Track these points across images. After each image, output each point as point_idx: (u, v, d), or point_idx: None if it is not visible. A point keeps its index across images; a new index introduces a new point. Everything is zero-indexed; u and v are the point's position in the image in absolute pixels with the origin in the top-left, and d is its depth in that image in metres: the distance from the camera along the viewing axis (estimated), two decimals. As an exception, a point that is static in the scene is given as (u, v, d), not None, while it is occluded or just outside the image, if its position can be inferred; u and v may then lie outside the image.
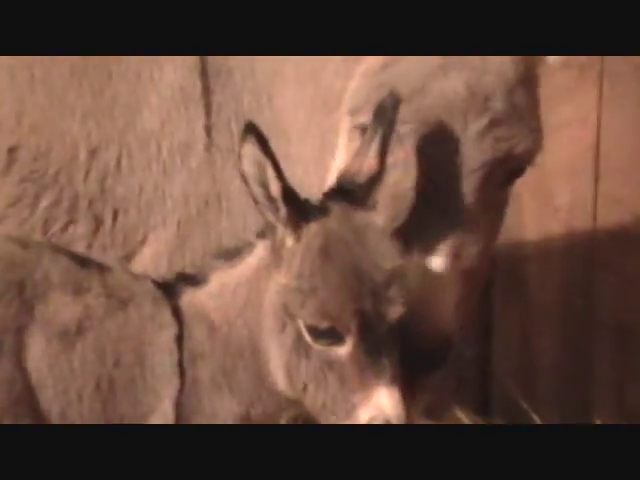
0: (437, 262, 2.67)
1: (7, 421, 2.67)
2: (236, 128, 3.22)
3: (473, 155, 2.74)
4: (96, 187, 3.29)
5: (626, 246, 4.34)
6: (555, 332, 4.56)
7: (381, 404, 2.44)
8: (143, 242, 3.32)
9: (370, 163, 2.52)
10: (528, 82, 2.88)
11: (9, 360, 2.64)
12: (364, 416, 2.42)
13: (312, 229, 2.50)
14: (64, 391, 2.70)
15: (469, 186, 2.75)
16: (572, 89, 4.25)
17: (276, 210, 2.44)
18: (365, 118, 2.74)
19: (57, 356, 2.69)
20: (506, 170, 2.80)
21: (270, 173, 2.40)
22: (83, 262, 2.81)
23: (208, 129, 3.27)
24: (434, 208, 2.73)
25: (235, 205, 3.24)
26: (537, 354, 4.60)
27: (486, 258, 2.95)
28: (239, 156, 2.48)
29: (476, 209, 2.79)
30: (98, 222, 3.28)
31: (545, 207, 4.44)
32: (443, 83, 2.78)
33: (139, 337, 2.76)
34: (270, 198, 2.44)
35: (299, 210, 2.48)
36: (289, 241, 2.49)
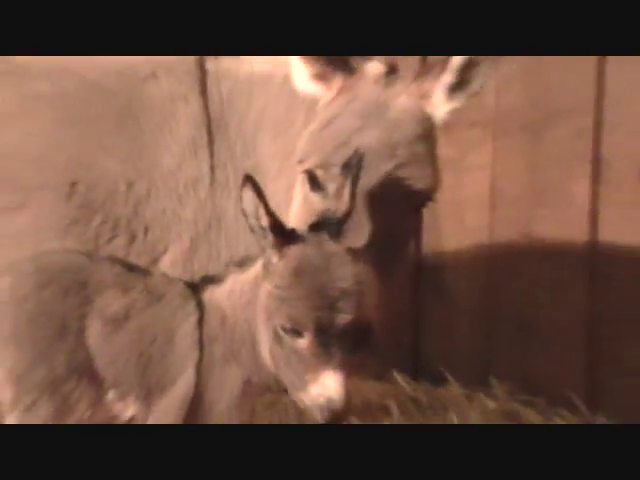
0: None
1: (70, 383, 3.00)
2: (231, 169, 3.68)
3: (384, 191, 3.10)
4: (132, 211, 3.68)
5: (519, 257, 4.86)
6: (469, 324, 5.13)
7: (326, 384, 2.72)
8: (164, 252, 3.71)
9: (344, 203, 2.84)
10: (427, 138, 3.20)
11: (73, 338, 2.96)
12: (314, 392, 2.75)
13: (291, 252, 2.82)
14: (114, 362, 3.01)
15: (383, 214, 3.15)
16: (477, 143, 4.93)
17: (265, 237, 2.80)
18: (308, 165, 3.15)
19: (109, 336, 3.00)
20: (412, 202, 3.17)
21: (261, 211, 2.78)
22: (130, 267, 3.19)
23: (212, 169, 3.67)
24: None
25: (230, 226, 3.65)
26: (456, 340, 5.19)
27: (401, 272, 3.32)
28: (240, 198, 2.86)
29: (393, 227, 3.17)
30: (133, 236, 3.67)
31: (459, 228, 5.10)
32: (361, 138, 3.07)
33: (170, 323, 3.09)
34: (262, 228, 2.79)
35: (283, 237, 2.81)
36: (274, 259, 2.83)
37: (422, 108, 3.20)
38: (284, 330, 2.72)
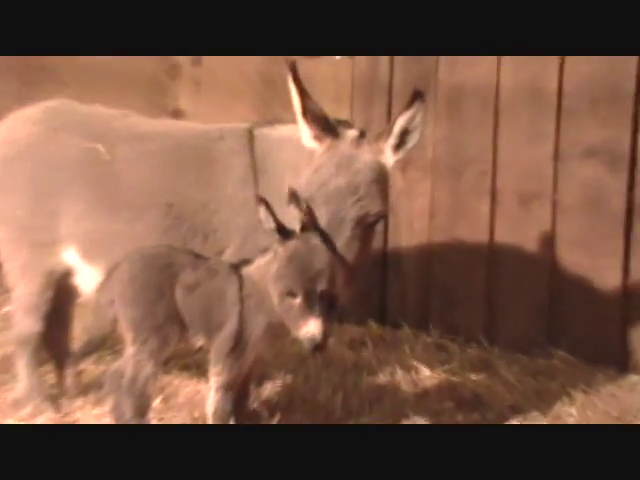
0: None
1: (167, 327, 3.67)
2: (267, 195, 3.76)
3: (350, 214, 3.64)
4: (206, 221, 4.21)
5: (446, 248, 5.67)
6: (413, 290, 5.79)
7: (311, 327, 3.39)
8: (227, 247, 4.22)
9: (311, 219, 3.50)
10: (379, 179, 3.76)
11: (167, 299, 3.66)
12: (303, 331, 3.40)
13: (289, 245, 3.50)
14: (191, 312, 3.71)
15: (350, 226, 3.66)
16: (421, 179, 5.72)
17: (274, 234, 3.49)
18: (304, 197, 3.61)
19: (187, 297, 3.71)
20: (368, 221, 3.71)
21: (270, 219, 3.49)
22: (197, 255, 3.87)
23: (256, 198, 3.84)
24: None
25: (264, 233, 3.75)
26: (407, 300, 5.85)
27: (362, 262, 3.77)
28: (259, 211, 3.53)
29: (354, 239, 3.67)
30: (206, 237, 4.22)
31: (410, 231, 5.84)
32: (337, 180, 3.68)
33: (222, 288, 3.74)
34: (271, 230, 3.49)
35: (284, 235, 3.49)
36: (279, 249, 3.51)
37: (378, 160, 3.79)
38: (285, 293, 3.45)
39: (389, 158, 3.82)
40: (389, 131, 3.79)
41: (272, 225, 3.49)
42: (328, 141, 3.82)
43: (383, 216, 3.78)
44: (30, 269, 4.32)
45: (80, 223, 4.23)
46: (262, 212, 3.51)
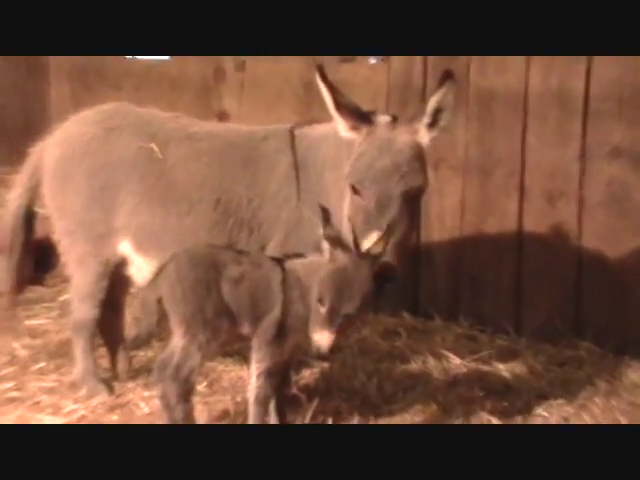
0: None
1: (216, 320, 3.67)
2: (309, 191, 4.15)
3: (396, 190, 3.72)
4: (251, 216, 4.27)
5: (476, 242, 5.67)
6: (444, 281, 5.77)
7: (322, 338, 3.41)
8: (270, 240, 4.27)
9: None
10: (418, 157, 3.84)
11: (214, 294, 3.67)
12: (315, 338, 3.43)
13: (340, 259, 3.48)
14: (237, 304, 3.71)
15: (398, 201, 3.72)
16: (453, 178, 5.69)
17: (331, 243, 3.47)
18: (351, 181, 3.80)
19: (233, 289, 3.71)
20: (412, 195, 3.79)
21: (330, 228, 3.52)
22: (239, 251, 3.91)
23: (298, 191, 4.21)
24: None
25: (306, 225, 4.09)
26: (439, 292, 5.82)
27: (411, 235, 3.94)
28: (322, 225, 3.52)
29: (403, 213, 3.72)
30: (251, 231, 4.28)
31: (442, 226, 5.78)
32: (381, 162, 3.76)
33: (266, 280, 3.75)
34: (329, 238, 3.48)
35: (336, 246, 3.48)
36: (328, 255, 3.52)
37: (414, 139, 3.88)
38: (317, 298, 3.45)
39: (424, 137, 3.91)
40: (423, 111, 3.87)
41: (330, 235, 3.51)
42: (364, 129, 3.89)
43: (424, 189, 3.88)
44: (87, 260, 4.41)
45: (134, 217, 4.33)
46: (323, 221, 3.53)
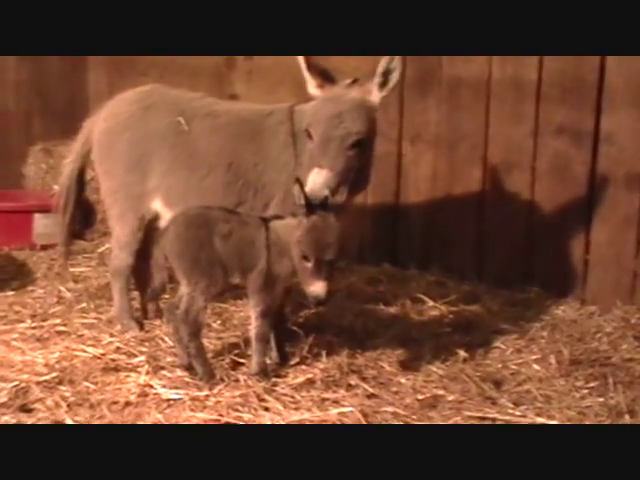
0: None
1: (212, 270, 3.71)
2: (303, 156, 4.11)
3: (335, 132, 3.72)
4: (256, 178, 4.29)
5: (449, 208, 5.63)
6: (419, 239, 5.73)
7: (317, 287, 3.46)
8: (272, 199, 4.28)
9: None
10: (363, 110, 3.83)
11: (208, 248, 3.70)
12: (311, 289, 3.47)
13: (310, 219, 3.52)
14: (228, 256, 3.74)
15: (337, 143, 3.73)
16: (426, 151, 5.68)
17: (302, 208, 3.51)
18: (309, 127, 3.85)
19: (223, 244, 3.73)
20: (351, 140, 3.75)
21: (302, 196, 3.50)
22: (230, 212, 3.89)
23: (295, 157, 4.21)
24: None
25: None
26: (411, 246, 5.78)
27: (359, 176, 3.91)
28: (294, 189, 3.54)
29: (340, 153, 3.73)
30: (256, 191, 4.29)
31: (417, 192, 5.75)
32: (326, 109, 3.79)
33: (252, 236, 3.76)
34: (301, 204, 3.51)
35: (309, 210, 3.49)
36: (303, 220, 3.54)
37: (363, 96, 3.87)
38: (301, 257, 3.51)
39: (375, 95, 3.92)
40: (374, 73, 3.90)
41: (302, 201, 3.52)
42: (327, 87, 3.94)
43: (363, 136, 3.82)
44: (126, 215, 4.53)
45: (164, 179, 4.42)
46: (295, 189, 3.54)
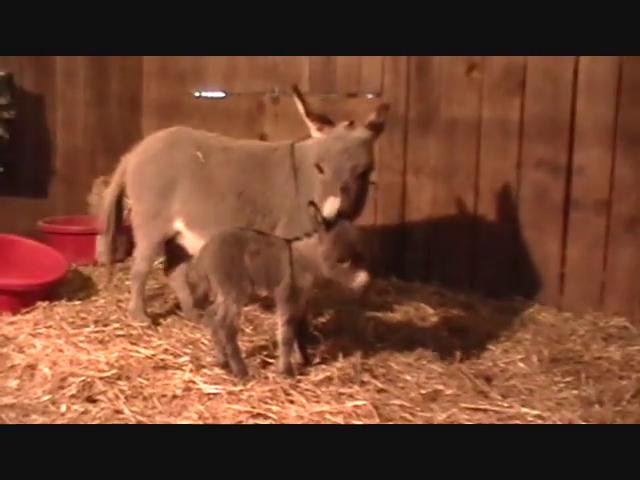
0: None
1: (241, 283, 3.68)
2: (304, 185, 4.11)
3: (346, 165, 3.71)
4: (264, 205, 4.28)
5: (447, 229, 5.59)
6: (422, 248, 5.73)
7: (361, 277, 3.41)
8: (278, 222, 4.25)
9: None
10: (367, 145, 3.82)
11: (239, 263, 3.67)
12: (356, 282, 3.42)
13: (333, 231, 3.49)
14: (256, 272, 3.70)
15: (348, 173, 3.70)
16: (427, 181, 5.67)
17: (320, 226, 3.48)
18: (315, 163, 3.82)
19: (252, 260, 3.68)
20: (360, 170, 3.75)
21: (319, 216, 3.47)
22: (259, 232, 3.86)
23: (296, 187, 4.20)
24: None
25: (303, 212, 3.87)
26: (414, 259, 5.78)
27: (362, 200, 3.87)
28: (310, 211, 3.50)
29: (352, 182, 3.71)
30: (264, 216, 4.27)
31: (420, 215, 5.71)
32: (336, 146, 3.74)
33: (278, 255, 3.70)
34: (318, 222, 3.48)
35: (327, 226, 3.47)
36: (324, 235, 3.50)
37: (362, 135, 3.83)
38: (336, 261, 3.46)
39: (370, 136, 3.89)
40: (369, 123, 3.89)
41: (320, 220, 3.50)
42: (327, 129, 3.89)
43: (368, 167, 3.84)
44: (151, 233, 4.62)
45: (185, 204, 4.45)
46: (311, 210, 3.51)
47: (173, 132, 4.70)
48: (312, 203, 3.52)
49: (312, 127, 3.96)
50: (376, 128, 3.89)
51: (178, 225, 4.52)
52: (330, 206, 3.65)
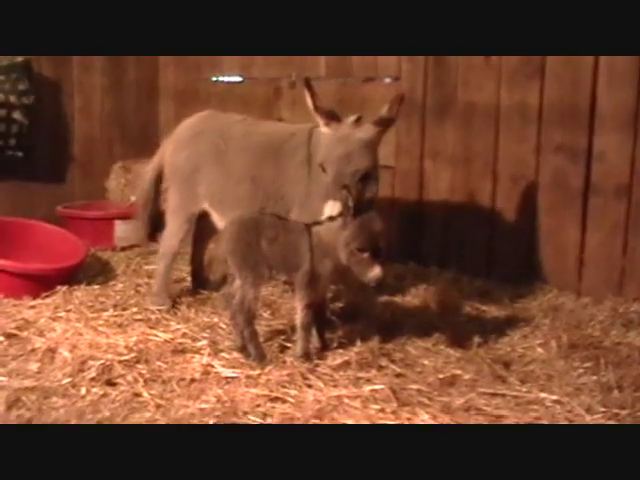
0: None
1: (258, 267, 3.68)
2: (316, 172, 4.04)
3: (347, 170, 3.68)
4: (276, 191, 4.34)
5: (464, 215, 5.56)
6: (440, 240, 5.71)
7: (376, 270, 3.41)
8: (291, 208, 4.26)
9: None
10: (369, 146, 3.79)
11: (256, 248, 3.67)
12: (371, 274, 3.41)
13: (359, 218, 3.45)
14: (273, 257, 3.70)
15: (349, 178, 3.67)
16: (445, 167, 5.64)
17: (349, 213, 3.42)
18: (319, 162, 3.83)
19: (270, 246, 3.67)
20: (361, 174, 3.72)
21: (350, 200, 3.43)
22: (278, 217, 3.85)
23: (309, 173, 4.21)
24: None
25: (314, 198, 4.07)
26: (432, 246, 5.75)
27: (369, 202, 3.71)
28: (341, 195, 3.48)
29: (355, 186, 3.64)
30: (276, 201, 4.31)
31: (438, 201, 5.67)
32: (338, 150, 3.72)
33: (296, 240, 3.69)
34: (348, 207, 3.43)
35: (356, 213, 3.43)
36: (350, 221, 3.47)
37: (367, 134, 3.81)
38: (357, 250, 3.44)
39: (376, 134, 3.88)
40: (377, 120, 3.88)
41: (350, 204, 3.46)
42: (335, 125, 3.86)
43: (369, 170, 3.80)
44: (180, 212, 4.78)
45: (209, 187, 4.62)
46: (342, 194, 3.50)
47: (202, 117, 4.87)
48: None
49: (320, 122, 3.94)
50: (385, 123, 3.87)
51: (204, 205, 4.69)
52: (330, 209, 3.70)
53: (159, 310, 4.55)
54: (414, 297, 4.99)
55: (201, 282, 5.11)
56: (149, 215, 5.02)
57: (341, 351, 3.87)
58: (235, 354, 3.81)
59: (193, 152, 4.66)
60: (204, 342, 3.98)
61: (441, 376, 3.66)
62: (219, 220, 4.58)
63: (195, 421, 3.06)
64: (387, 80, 5.91)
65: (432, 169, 5.74)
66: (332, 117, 3.88)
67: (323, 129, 3.92)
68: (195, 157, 4.65)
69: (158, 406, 3.27)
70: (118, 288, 5.12)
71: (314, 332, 3.97)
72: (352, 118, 3.85)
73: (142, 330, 4.16)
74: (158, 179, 4.96)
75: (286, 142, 4.37)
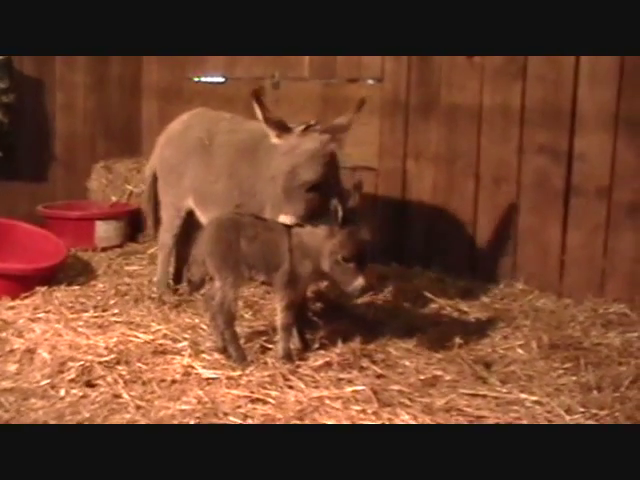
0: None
1: (238, 267, 3.68)
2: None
3: (293, 183, 3.65)
4: (251, 189, 4.30)
5: (447, 215, 5.55)
6: (422, 242, 5.66)
7: (359, 282, 3.43)
8: (264, 207, 4.16)
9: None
10: (315, 157, 3.71)
11: (235, 248, 3.66)
12: (355, 284, 3.44)
13: (348, 228, 3.48)
14: (252, 257, 3.69)
15: (297, 190, 3.65)
16: (427, 167, 5.62)
17: (338, 220, 3.44)
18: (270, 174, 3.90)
19: (249, 245, 3.67)
20: (306, 186, 3.67)
21: (340, 211, 3.44)
22: (257, 217, 3.84)
23: None
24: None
25: (273, 212, 3.98)
26: (414, 246, 5.72)
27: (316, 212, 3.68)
28: (331, 205, 3.46)
29: (300, 198, 3.65)
30: (250, 199, 4.29)
31: (420, 201, 5.64)
32: (284, 164, 3.71)
33: (276, 240, 3.68)
34: (338, 217, 3.43)
35: (345, 223, 3.46)
36: (337, 230, 3.49)
37: (314, 145, 3.74)
38: (342, 259, 3.46)
39: (324, 143, 3.80)
40: (329, 127, 3.88)
41: (340, 215, 3.47)
42: (285, 136, 3.81)
43: (318, 180, 3.73)
44: (170, 206, 4.90)
45: (193, 182, 4.68)
46: (333, 204, 3.49)
47: (192, 114, 4.97)
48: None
49: (271, 134, 3.88)
50: (337, 130, 3.84)
51: (189, 202, 4.76)
52: (282, 221, 3.71)
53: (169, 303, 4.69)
54: (396, 298, 5.01)
55: (182, 281, 5.09)
56: (154, 203, 5.13)
57: (322, 352, 3.87)
58: (216, 355, 3.80)
59: (181, 147, 4.75)
60: (185, 343, 3.97)
61: (422, 377, 3.67)
62: (201, 216, 4.63)
63: (176, 422, 3.05)
64: (370, 81, 5.91)
65: (415, 169, 5.74)
66: (282, 128, 3.83)
67: (274, 140, 3.87)
68: (182, 151, 4.73)
69: (138, 407, 3.26)
70: (98, 289, 5.10)
71: (295, 333, 3.98)
72: (301, 127, 3.81)
73: (122, 331, 4.15)
74: (156, 176, 5.05)
75: (262, 141, 4.26)
